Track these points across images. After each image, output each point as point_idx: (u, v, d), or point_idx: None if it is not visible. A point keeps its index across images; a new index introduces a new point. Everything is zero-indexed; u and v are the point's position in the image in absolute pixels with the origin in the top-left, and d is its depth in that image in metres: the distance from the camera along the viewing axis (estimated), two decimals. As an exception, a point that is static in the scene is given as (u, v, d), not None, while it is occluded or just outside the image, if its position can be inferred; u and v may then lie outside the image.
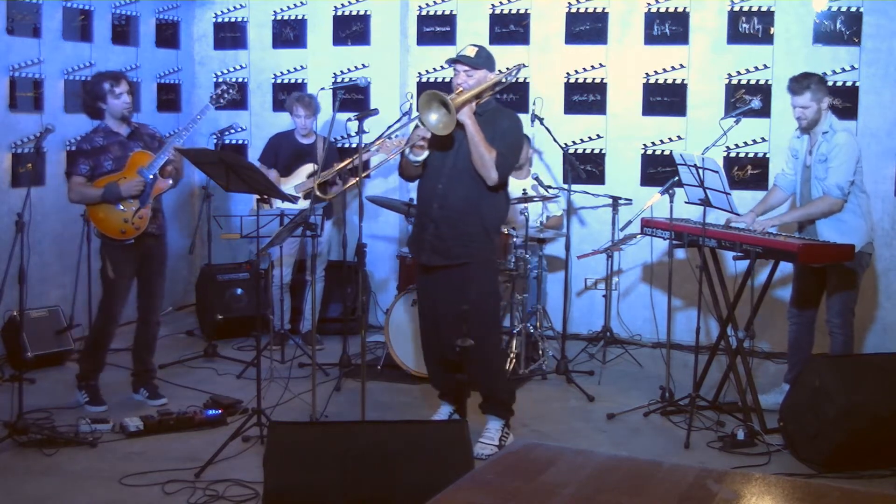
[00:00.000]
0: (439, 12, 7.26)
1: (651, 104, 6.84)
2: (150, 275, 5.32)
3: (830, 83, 6.11)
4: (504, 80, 4.76)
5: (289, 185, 6.52)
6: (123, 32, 7.08)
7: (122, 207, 5.09)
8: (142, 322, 5.42)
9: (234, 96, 5.84)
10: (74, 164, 5.16)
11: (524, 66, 4.87)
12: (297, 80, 7.51)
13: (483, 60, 4.62)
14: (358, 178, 4.69)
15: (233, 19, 7.70)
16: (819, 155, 4.99)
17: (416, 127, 4.49)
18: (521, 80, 7.08)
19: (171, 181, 5.20)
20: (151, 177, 5.10)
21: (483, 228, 4.62)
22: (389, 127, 5.78)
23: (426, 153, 4.56)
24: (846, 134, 4.99)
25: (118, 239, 5.13)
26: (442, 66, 7.24)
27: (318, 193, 5.06)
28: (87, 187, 5.10)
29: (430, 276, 4.74)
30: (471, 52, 4.63)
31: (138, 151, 5.15)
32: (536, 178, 6.32)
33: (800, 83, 5.00)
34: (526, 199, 5.98)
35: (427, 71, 7.30)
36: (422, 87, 7.24)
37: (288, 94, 7.04)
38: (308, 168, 6.56)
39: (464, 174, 4.55)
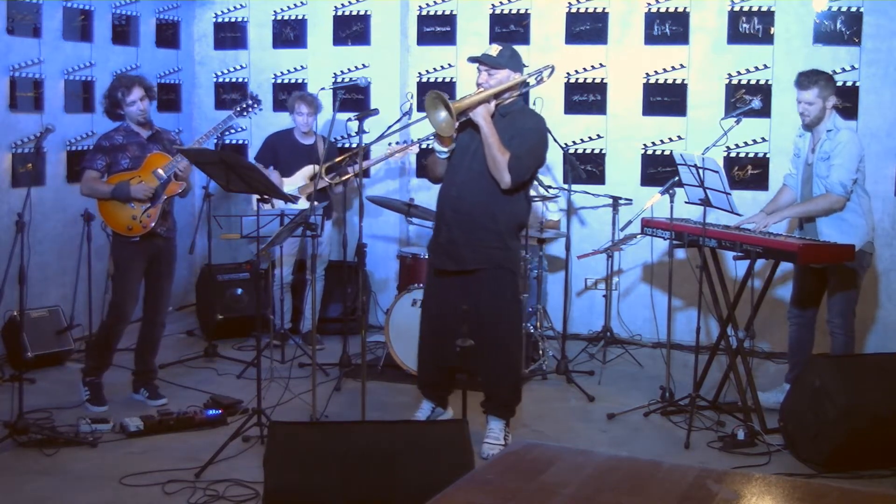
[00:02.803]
0: (439, 12, 7.26)
1: (651, 104, 6.84)
2: (157, 275, 5.34)
3: (830, 83, 6.11)
4: (533, 81, 4.63)
5: (290, 186, 6.52)
6: (123, 32, 7.08)
7: (132, 205, 5.13)
8: (146, 322, 5.43)
9: (259, 110, 5.86)
10: (91, 159, 5.20)
11: (553, 67, 4.72)
12: (297, 80, 7.51)
13: (506, 60, 4.51)
14: (358, 175, 4.69)
15: (233, 19, 7.70)
16: (822, 153, 4.98)
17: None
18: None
19: (184, 184, 5.22)
20: (165, 176, 5.13)
21: (497, 233, 4.52)
22: (389, 127, 5.78)
23: (453, 145, 4.50)
24: (849, 132, 4.99)
25: (124, 235, 5.15)
26: (442, 66, 7.25)
27: (323, 177, 5.02)
28: (99, 183, 5.14)
29: (442, 281, 4.66)
30: (493, 51, 4.53)
31: (156, 153, 5.19)
32: (536, 178, 6.31)
33: (808, 78, 4.99)
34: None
35: (427, 71, 7.30)
36: (422, 87, 7.24)
37: (288, 94, 7.04)
38: (309, 169, 6.56)
39: (479, 177, 4.47)
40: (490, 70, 4.50)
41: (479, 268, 4.54)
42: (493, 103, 4.45)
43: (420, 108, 7.06)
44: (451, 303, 4.57)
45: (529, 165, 4.52)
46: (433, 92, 4.31)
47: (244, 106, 5.59)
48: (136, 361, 5.47)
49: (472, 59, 4.58)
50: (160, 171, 5.14)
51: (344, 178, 5.76)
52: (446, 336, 4.62)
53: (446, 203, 4.58)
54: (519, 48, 6.95)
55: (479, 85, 4.52)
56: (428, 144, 6.18)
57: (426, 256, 6.15)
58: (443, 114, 4.31)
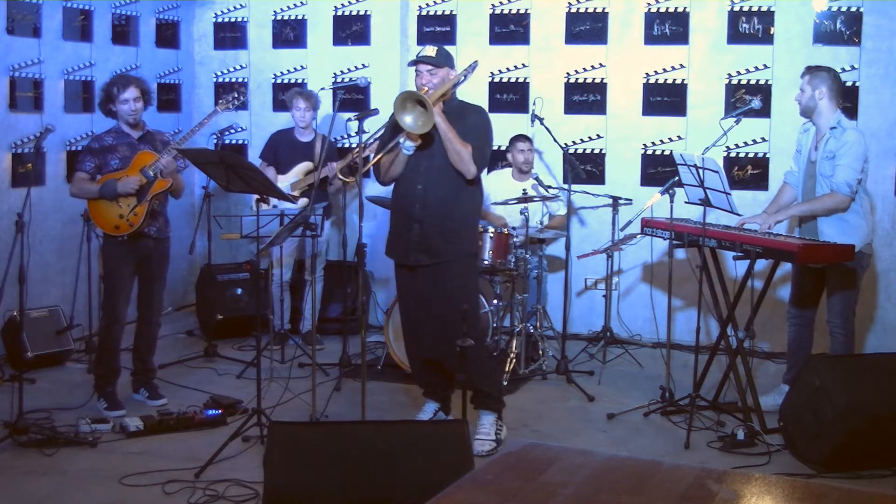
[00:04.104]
0: (439, 12, 7.26)
1: (651, 104, 6.84)
2: (148, 277, 5.33)
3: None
4: (463, 77, 4.80)
5: (284, 182, 6.52)
6: (123, 32, 7.08)
7: (119, 204, 5.11)
8: (141, 322, 5.42)
9: (242, 101, 5.82)
10: (81, 161, 5.21)
11: (477, 63, 4.95)
12: (297, 80, 7.51)
13: (444, 59, 4.69)
14: (358, 175, 4.70)
15: (233, 19, 7.70)
16: (826, 152, 4.97)
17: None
18: (521, 80, 7.09)
19: (170, 182, 5.19)
20: (152, 174, 5.10)
21: (464, 222, 4.70)
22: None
23: (419, 141, 4.59)
24: (856, 132, 4.99)
25: (112, 235, 5.15)
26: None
27: (341, 177, 5.05)
28: (88, 183, 5.15)
29: (413, 276, 4.77)
30: (431, 51, 4.70)
31: (144, 151, 5.18)
32: (536, 178, 6.32)
33: (808, 67, 5.12)
34: (526, 199, 5.98)
35: (427, 71, 7.29)
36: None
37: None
38: (304, 166, 6.56)
39: (441, 173, 4.61)
40: (433, 70, 4.65)
41: (451, 259, 4.67)
42: (441, 102, 4.59)
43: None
44: (425, 295, 4.73)
45: (488, 154, 4.75)
46: (406, 92, 4.44)
47: (229, 99, 5.55)
48: (133, 361, 5.46)
49: (415, 62, 4.71)
50: (147, 170, 5.12)
51: (339, 166, 5.70)
52: (422, 329, 4.78)
53: (414, 200, 4.68)
54: (519, 48, 7.08)
55: (422, 85, 4.63)
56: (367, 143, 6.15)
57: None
58: (412, 115, 4.40)
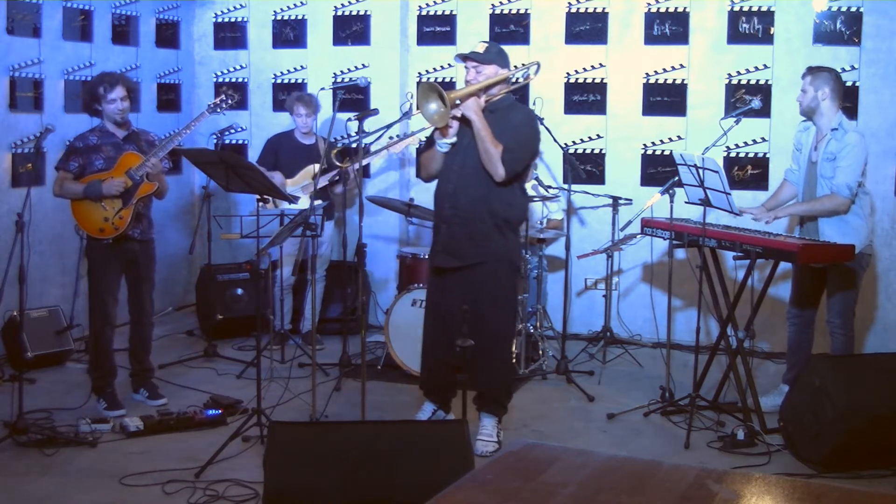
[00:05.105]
0: (439, 12, 7.26)
1: (651, 104, 6.84)
2: (135, 280, 5.29)
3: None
4: (520, 77, 4.71)
5: (293, 186, 6.51)
6: (123, 32, 7.08)
7: (104, 206, 5.07)
8: (133, 324, 5.39)
9: (231, 103, 5.79)
10: (64, 160, 5.16)
11: (538, 64, 4.80)
12: (297, 80, 7.52)
13: (493, 56, 4.59)
14: (358, 175, 4.70)
15: (233, 19, 7.70)
16: (827, 153, 4.98)
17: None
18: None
19: (157, 185, 5.14)
20: (139, 177, 5.07)
21: (495, 226, 4.54)
22: (389, 126, 5.77)
23: (454, 138, 4.52)
24: (858, 135, 4.98)
25: (96, 237, 5.12)
26: (442, 66, 7.25)
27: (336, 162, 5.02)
28: (71, 183, 5.10)
29: (442, 279, 4.68)
30: (480, 48, 4.61)
31: (129, 152, 5.13)
32: (536, 178, 6.32)
33: (809, 68, 5.12)
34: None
35: (427, 71, 7.30)
36: (422, 87, 7.25)
37: (288, 94, 7.05)
38: (311, 169, 6.56)
39: (474, 172, 4.50)
40: (478, 66, 4.57)
41: (479, 262, 4.56)
42: (482, 98, 4.50)
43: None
44: (453, 301, 4.58)
45: (522, 158, 4.56)
46: (427, 83, 4.41)
47: (217, 102, 5.50)
48: (130, 362, 5.45)
49: (460, 57, 4.64)
50: (133, 172, 5.07)
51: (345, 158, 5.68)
52: (451, 335, 4.62)
53: (444, 200, 4.60)
54: (519, 48, 7.08)
55: (467, 82, 4.57)
56: (420, 141, 6.17)
57: (426, 257, 6.19)
58: (433, 105, 4.36)
